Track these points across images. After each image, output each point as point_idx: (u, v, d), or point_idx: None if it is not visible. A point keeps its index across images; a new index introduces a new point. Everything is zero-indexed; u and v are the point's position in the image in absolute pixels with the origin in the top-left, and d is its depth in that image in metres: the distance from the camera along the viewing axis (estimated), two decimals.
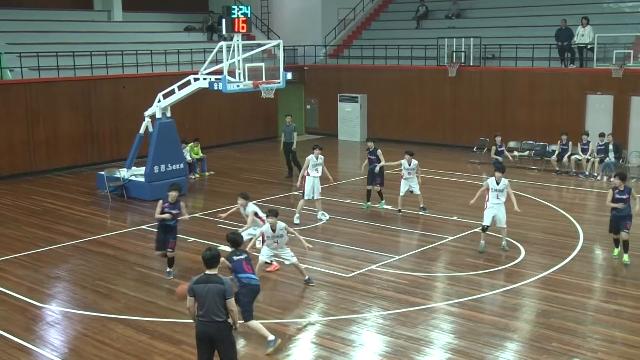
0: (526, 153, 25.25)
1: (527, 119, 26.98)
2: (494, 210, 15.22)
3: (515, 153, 25.14)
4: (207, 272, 8.82)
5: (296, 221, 17.56)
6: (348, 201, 20.13)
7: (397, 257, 15.09)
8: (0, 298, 12.99)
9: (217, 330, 8.76)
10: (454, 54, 28.52)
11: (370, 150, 19.00)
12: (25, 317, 12.18)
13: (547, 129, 25.96)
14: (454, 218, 18.14)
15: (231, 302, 8.74)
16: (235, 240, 11.06)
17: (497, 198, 15.19)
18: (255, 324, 10.88)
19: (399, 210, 18.56)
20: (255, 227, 13.99)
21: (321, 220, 17.90)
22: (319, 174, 17.88)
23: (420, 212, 18.49)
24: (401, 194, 18.51)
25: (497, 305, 12.45)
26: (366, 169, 19.29)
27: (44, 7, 29.08)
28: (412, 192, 18.43)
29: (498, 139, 23.88)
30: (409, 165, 18.31)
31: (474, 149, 26.40)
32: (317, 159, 17.79)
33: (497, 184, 15.17)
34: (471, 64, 28.32)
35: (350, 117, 31.85)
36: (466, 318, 11.89)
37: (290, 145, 23.54)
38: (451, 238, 16.36)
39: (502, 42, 28.32)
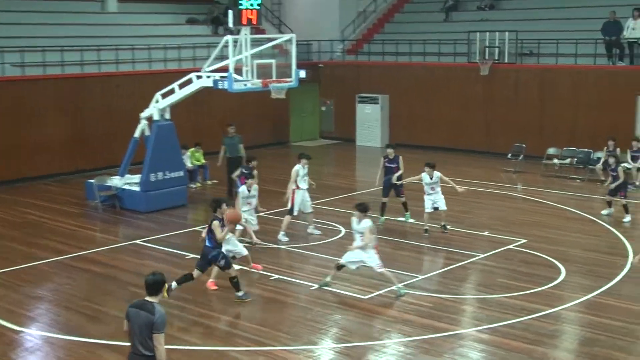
0: (567, 161, 25.06)
1: (569, 122, 26.78)
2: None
3: (555, 161, 24.96)
4: (147, 298, 8.58)
5: (283, 239, 17.52)
6: None
7: (421, 277, 14.98)
8: None
9: None
10: (487, 49, 28.41)
11: (390, 158, 18.65)
12: (1, 342, 12.13)
13: (591, 134, 25.74)
14: (485, 233, 17.99)
15: (158, 338, 8.36)
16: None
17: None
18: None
19: (426, 231, 18.06)
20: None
21: (312, 234, 17.93)
22: (307, 185, 17.91)
23: (443, 231, 18.14)
24: (426, 210, 18.05)
25: (533, 331, 12.27)
26: (381, 180, 19.03)
27: None
28: (437, 208, 17.99)
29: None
30: (431, 179, 17.82)
31: (509, 156, 26.24)
32: (304, 168, 17.76)
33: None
34: (506, 61, 28.18)
35: (370, 120, 31.81)
36: (498, 346, 11.74)
37: (239, 160, 21.38)
38: (482, 256, 16.21)
39: (541, 37, 28.20)
